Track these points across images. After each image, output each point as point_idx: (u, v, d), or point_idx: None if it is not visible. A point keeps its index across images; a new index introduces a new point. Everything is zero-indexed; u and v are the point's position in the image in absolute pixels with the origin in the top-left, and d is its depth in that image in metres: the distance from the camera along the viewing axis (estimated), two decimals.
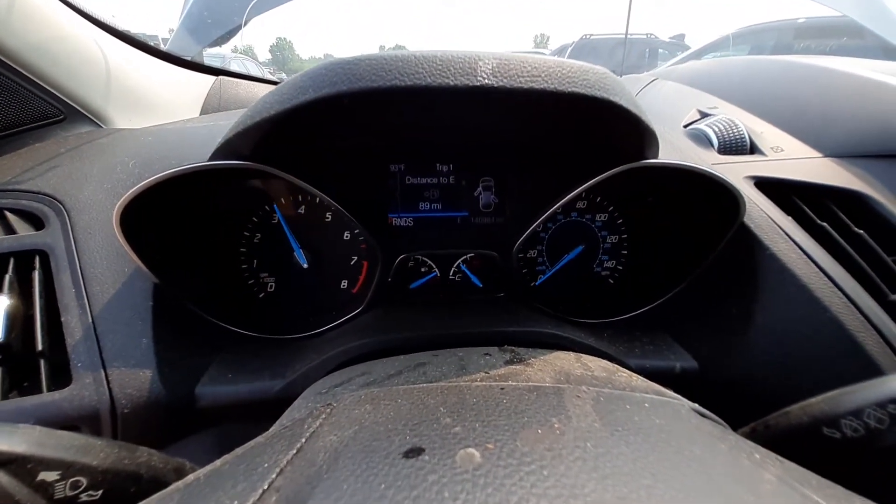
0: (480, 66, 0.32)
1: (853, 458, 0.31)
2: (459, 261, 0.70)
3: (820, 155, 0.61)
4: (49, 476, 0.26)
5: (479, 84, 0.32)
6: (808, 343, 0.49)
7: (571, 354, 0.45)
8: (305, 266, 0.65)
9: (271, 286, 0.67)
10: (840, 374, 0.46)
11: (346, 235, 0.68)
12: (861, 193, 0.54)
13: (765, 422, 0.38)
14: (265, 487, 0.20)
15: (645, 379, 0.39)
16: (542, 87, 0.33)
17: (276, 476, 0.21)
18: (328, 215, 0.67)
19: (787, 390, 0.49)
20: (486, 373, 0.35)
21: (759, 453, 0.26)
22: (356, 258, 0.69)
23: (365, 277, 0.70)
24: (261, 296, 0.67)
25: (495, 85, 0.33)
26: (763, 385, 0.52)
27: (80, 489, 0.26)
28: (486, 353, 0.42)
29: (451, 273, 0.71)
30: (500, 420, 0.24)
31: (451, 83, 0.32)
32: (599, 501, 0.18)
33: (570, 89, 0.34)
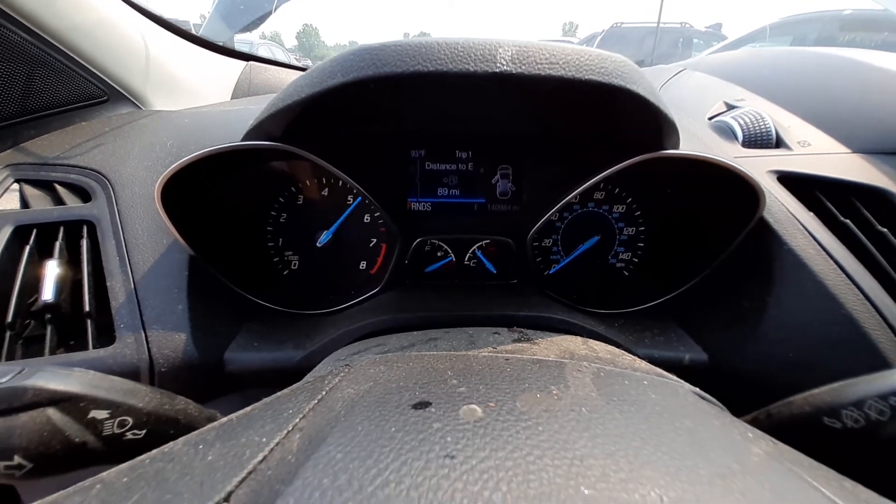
0: (500, 53, 0.33)
1: (852, 449, 0.32)
2: (475, 247, 0.72)
3: (848, 150, 0.59)
4: (99, 414, 0.29)
5: (498, 70, 0.34)
6: (820, 338, 0.49)
7: (578, 338, 0.46)
8: (328, 244, 0.69)
9: (294, 264, 0.71)
10: (851, 369, 0.46)
11: (367, 218, 0.70)
12: (887, 191, 0.53)
13: (767, 410, 0.39)
14: (289, 428, 0.23)
15: (648, 364, 0.40)
16: (559, 73, 0.34)
17: (300, 420, 0.24)
18: (350, 198, 0.69)
19: (795, 383, 0.49)
20: (493, 348, 0.37)
21: (753, 433, 0.27)
22: (375, 240, 0.72)
23: (383, 259, 0.72)
24: (284, 272, 0.70)
25: (514, 71, 0.34)
26: (772, 378, 0.52)
27: (126, 427, 0.30)
28: (495, 332, 0.44)
29: (466, 258, 0.72)
30: (502, 384, 0.26)
31: (472, 69, 0.34)
32: (589, 455, 0.20)
33: (587, 76, 0.35)
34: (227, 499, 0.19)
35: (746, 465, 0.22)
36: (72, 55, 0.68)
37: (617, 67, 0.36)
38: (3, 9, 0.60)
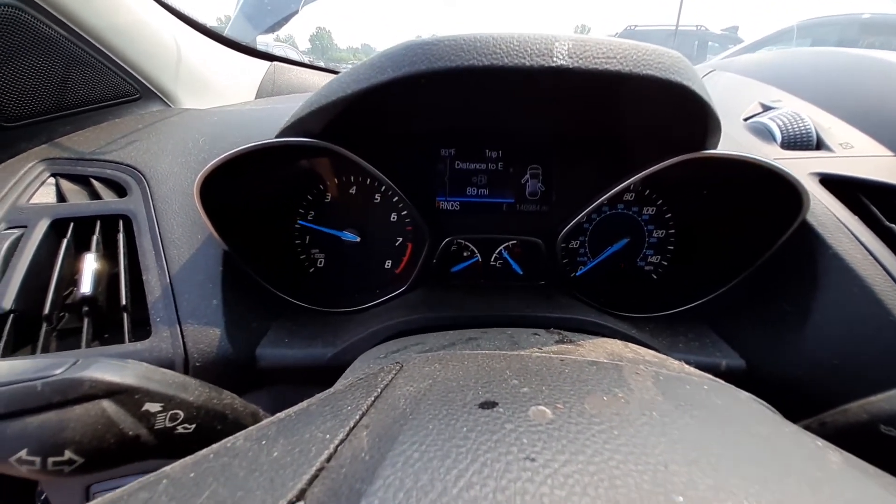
0: (557, 47, 0.33)
1: None
2: (501, 247, 0.71)
3: (892, 154, 0.58)
4: (153, 407, 0.29)
5: (555, 65, 0.33)
6: (868, 344, 0.47)
7: (618, 341, 0.45)
8: (354, 243, 0.68)
9: (321, 262, 0.71)
10: None
11: (393, 217, 0.70)
12: None
13: (819, 419, 0.38)
14: (351, 425, 0.23)
15: (696, 369, 0.39)
16: (616, 68, 0.34)
17: (361, 416, 0.23)
18: (377, 196, 0.69)
19: (841, 391, 0.47)
20: (539, 348, 0.36)
21: (821, 441, 0.26)
22: (401, 240, 0.71)
23: (409, 259, 0.72)
24: (311, 270, 0.70)
25: (570, 66, 0.33)
26: (816, 385, 0.50)
27: (178, 421, 0.29)
28: (535, 333, 0.44)
29: (492, 259, 0.72)
30: (564, 385, 0.25)
31: (528, 63, 0.33)
32: (671, 461, 0.19)
33: (644, 72, 0.34)
34: (300, 497, 0.18)
35: (828, 473, 0.21)
36: (108, 53, 0.69)
37: (674, 63, 0.35)
38: (44, 6, 0.61)
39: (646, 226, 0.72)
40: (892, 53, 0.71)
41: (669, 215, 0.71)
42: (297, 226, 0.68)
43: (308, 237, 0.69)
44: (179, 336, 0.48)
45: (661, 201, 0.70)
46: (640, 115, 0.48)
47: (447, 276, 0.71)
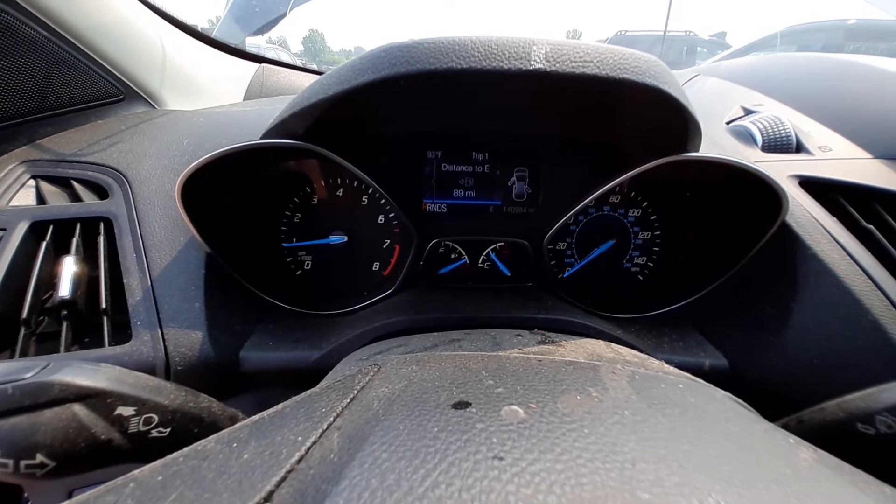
0: (534, 51, 0.33)
1: (885, 455, 0.31)
2: (489, 249, 0.71)
3: (870, 156, 0.59)
4: (126, 411, 0.28)
5: (532, 68, 0.33)
6: (846, 345, 0.48)
7: (601, 341, 0.46)
8: (342, 245, 0.68)
9: (308, 264, 0.70)
10: (877, 375, 0.45)
11: (381, 219, 0.70)
12: None
13: (798, 417, 0.38)
14: (325, 427, 0.22)
15: (676, 368, 0.39)
16: (593, 72, 0.34)
17: (335, 418, 0.23)
18: (364, 199, 0.69)
19: (821, 390, 0.48)
20: (520, 349, 0.36)
21: (794, 439, 0.27)
22: (388, 242, 0.71)
23: (396, 261, 0.72)
24: (298, 273, 0.70)
25: (548, 69, 0.34)
26: (796, 385, 0.51)
27: (152, 426, 0.29)
28: (518, 334, 0.44)
29: (479, 261, 0.72)
30: (539, 385, 0.25)
31: (505, 66, 0.33)
32: (640, 458, 0.19)
33: (621, 76, 0.35)
34: (267, 498, 0.18)
35: (798, 470, 0.22)
36: (91, 54, 0.69)
37: (650, 67, 0.36)
38: (24, 5, 0.60)
39: (631, 227, 0.72)
40: (872, 58, 0.73)
41: (654, 217, 0.72)
42: (283, 228, 0.68)
43: (294, 239, 0.69)
44: (160, 339, 0.47)
45: (646, 203, 0.71)
46: (622, 118, 0.49)
47: (435, 278, 0.71)
